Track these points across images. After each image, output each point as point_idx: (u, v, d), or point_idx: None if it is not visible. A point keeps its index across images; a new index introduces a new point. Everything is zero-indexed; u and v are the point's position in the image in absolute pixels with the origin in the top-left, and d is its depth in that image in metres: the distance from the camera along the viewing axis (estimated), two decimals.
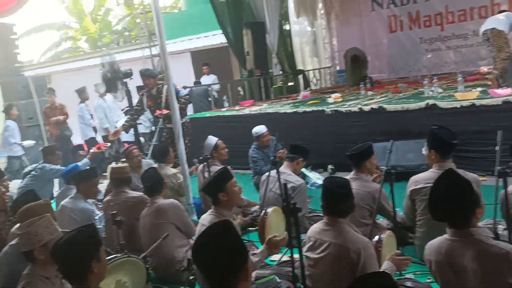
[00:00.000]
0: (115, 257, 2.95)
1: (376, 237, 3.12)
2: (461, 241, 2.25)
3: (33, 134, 12.12)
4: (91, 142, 9.19)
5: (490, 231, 2.85)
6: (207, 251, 1.82)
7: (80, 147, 7.05)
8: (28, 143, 9.25)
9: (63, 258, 2.29)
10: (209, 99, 10.91)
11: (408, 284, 2.82)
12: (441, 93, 7.03)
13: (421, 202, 3.66)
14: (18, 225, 3.11)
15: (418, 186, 3.66)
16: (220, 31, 11.44)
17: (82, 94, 9.17)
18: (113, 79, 7.84)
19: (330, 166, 6.84)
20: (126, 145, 7.45)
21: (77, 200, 4.51)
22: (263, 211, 3.60)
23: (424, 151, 3.81)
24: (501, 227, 3.45)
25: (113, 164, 4.94)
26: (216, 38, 13.77)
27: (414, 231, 3.81)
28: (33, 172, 5.95)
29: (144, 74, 7.02)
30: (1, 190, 4.40)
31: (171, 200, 4.17)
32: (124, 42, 22.85)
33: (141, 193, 4.62)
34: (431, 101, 6.10)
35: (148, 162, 6.45)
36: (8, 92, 12.77)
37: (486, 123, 5.33)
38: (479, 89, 6.62)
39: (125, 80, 8.10)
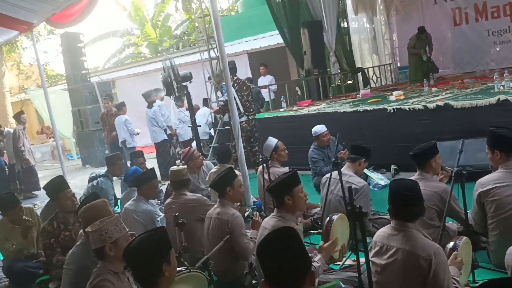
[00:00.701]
0: (177, 270, 2.96)
1: (451, 243, 2.95)
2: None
3: (99, 137, 12.71)
4: (162, 144, 9.48)
5: None
6: (272, 257, 1.80)
7: (140, 153, 7.18)
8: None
9: (135, 261, 2.33)
10: (260, 101, 10.91)
11: None
12: None
13: (491, 204, 3.48)
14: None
15: (486, 188, 3.49)
16: (277, 31, 11.39)
17: (149, 97, 9.45)
18: (173, 83, 8.01)
19: (393, 167, 6.62)
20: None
21: (139, 202, 4.62)
22: (328, 218, 3.49)
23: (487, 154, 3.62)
24: None
25: (174, 167, 5.01)
26: (272, 38, 13.76)
27: (487, 235, 3.59)
28: (93, 183, 6.10)
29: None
30: (71, 193, 4.59)
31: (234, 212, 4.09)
32: (183, 46, 23.40)
33: (200, 195, 4.67)
34: (502, 97, 5.74)
35: (208, 164, 6.54)
36: (76, 98, 13.48)
37: None
38: None
39: (184, 83, 8.25)
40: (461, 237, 2.99)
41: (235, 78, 8.28)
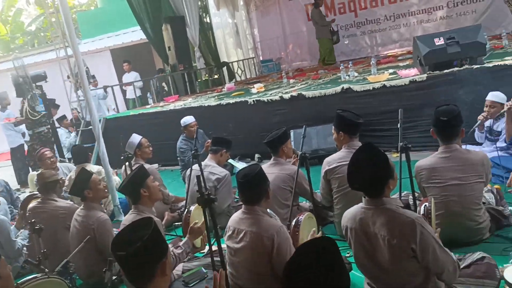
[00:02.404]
0: (34, 277, 2.85)
1: (294, 220, 3.24)
2: (373, 210, 2.42)
3: None
4: (20, 149, 8.77)
5: (401, 201, 3.08)
6: (123, 246, 1.83)
7: None
8: None
9: None
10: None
11: None
12: (356, 77, 7.35)
13: (335, 181, 3.84)
14: None
15: (332, 166, 3.84)
16: (139, 27, 11.21)
17: (3, 100, 8.66)
18: (25, 84, 7.48)
19: (257, 155, 6.99)
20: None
21: None
22: (186, 209, 3.63)
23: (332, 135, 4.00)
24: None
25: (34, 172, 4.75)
26: (136, 34, 13.49)
27: (333, 210, 3.99)
28: None
29: None
30: None
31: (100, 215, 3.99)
32: (39, 43, 21.74)
33: (72, 203, 4.46)
34: (346, 85, 6.38)
35: (70, 166, 6.28)
36: None
37: (395, 103, 5.68)
38: (390, 70, 7.01)
39: (39, 83, 7.75)
40: (303, 213, 3.30)
41: None
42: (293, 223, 3.19)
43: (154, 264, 1.87)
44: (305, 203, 4.41)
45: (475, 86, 5.39)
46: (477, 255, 2.81)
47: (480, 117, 4.73)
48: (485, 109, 4.73)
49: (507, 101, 4.57)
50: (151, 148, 5.49)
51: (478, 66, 5.57)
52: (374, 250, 2.42)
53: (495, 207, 3.60)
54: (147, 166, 5.09)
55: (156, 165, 7.59)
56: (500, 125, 4.72)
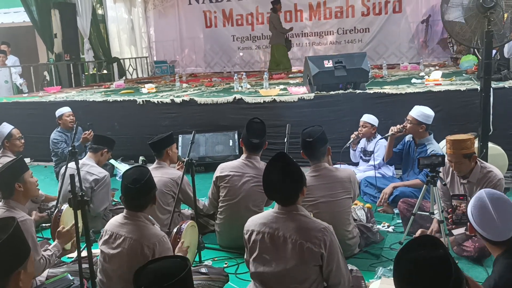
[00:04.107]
0: None
1: (176, 228, 3.14)
2: (287, 215, 2.45)
3: None
4: None
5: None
6: None
7: None
8: None
9: None
10: None
11: (202, 270, 2.90)
12: (249, 88, 7.48)
13: (223, 189, 3.81)
14: None
15: (223, 174, 3.82)
16: (23, 8, 10.28)
17: None
18: None
19: (141, 158, 6.73)
20: None
21: None
22: (57, 208, 3.34)
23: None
24: None
25: None
26: (18, 15, 12.36)
27: (215, 218, 3.95)
28: None
29: None
30: None
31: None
32: None
33: None
34: (238, 96, 6.44)
35: None
36: None
37: (283, 118, 5.86)
38: (282, 86, 7.24)
39: None
40: (186, 221, 3.21)
41: None
42: (175, 230, 3.09)
43: (5, 275, 1.65)
44: (186, 210, 4.32)
45: (357, 109, 5.76)
46: None
47: (352, 136, 5.10)
48: (359, 129, 5.09)
49: (378, 124, 5.01)
50: (23, 141, 5.01)
51: (361, 91, 5.97)
52: (280, 256, 2.42)
53: (365, 224, 3.83)
54: None
55: (27, 160, 6.97)
56: (372, 146, 5.11)
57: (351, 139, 5.12)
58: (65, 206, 3.41)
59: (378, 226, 4.04)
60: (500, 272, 2.10)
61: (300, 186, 2.47)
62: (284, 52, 10.10)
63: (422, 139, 4.36)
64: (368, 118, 5.13)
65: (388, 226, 4.17)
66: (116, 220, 2.75)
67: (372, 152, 5.11)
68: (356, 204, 4.40)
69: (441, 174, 3.53)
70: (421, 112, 4.32)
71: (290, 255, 2.39)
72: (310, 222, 2.44)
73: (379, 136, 5.05)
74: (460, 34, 4.46)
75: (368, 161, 5.21)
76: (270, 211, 2.54)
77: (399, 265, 1.60)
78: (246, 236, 2.54)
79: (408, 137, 4.57)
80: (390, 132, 4.47)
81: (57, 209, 3.36)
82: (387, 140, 4.63)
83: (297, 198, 2.47)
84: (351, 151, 5.37)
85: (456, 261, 3.26)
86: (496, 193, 2.23)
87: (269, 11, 10.37)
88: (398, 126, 4.43)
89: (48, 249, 3.11)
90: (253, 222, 2.54)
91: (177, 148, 4.80)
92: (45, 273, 3.06)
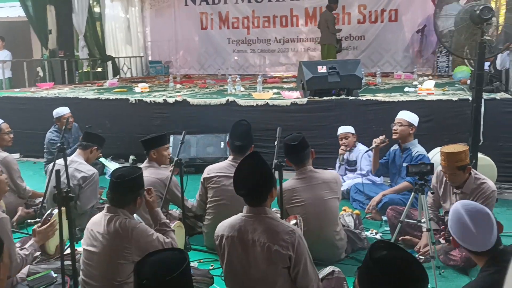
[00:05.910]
0: None
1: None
2: (254, 218, 2.42)
3: None
4: None
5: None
6: None
7: None
8: None
9: None
10: None
11: None
12: (242, 91, 7.47)
13: (211, 190, 3.81)
14: None
15: (210, 175, 3.82)
16: (19, 3, 10.22)
17: None
18: None
19: (132, 157, 6.69)
20: None
21: None
22: (48, 212, 3.30)
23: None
24: None
25: None
26: (14, 10, 12.28)
27: (203, 220, 3.93)
28: None
29: None
30: None
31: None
32: None
33: None
34: (231, 98, 6.43)
35: None
36: None
37: (275, 121, 5.84)
38: (275, 90, 7.24)
39: None
40: (173, 222, 3.19)
41: None
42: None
43: None
44: (174, 211, 4.30)
45: (348, 115, 5.77)
46: (328, 269, 2.92)
47: (341, 152, 5.19)
48: (342, 142, 5.17)
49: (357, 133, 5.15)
50: (11, 136, 4.96)
51: (353, 97, 5.98)
52: (249, 259, 2.40)
53: (353, 230, 3.84)
54: (4, 154, 4.59)
55: (16, 155, 6.92)
56: (354, 155, 5.17)
57: (340, 156, 5.21)
58: (56, 211, 3.34)
59: (366, 233, 4.03)
60: (472, 284, 2.18)
61: (269, 186, 2.45)
62: (334, 54, 9.81)
63: (407, 144, 4.45)
64: (346, 129, 5.23)
65: (376, 233, 4.17)
66: (98, 218, 2.73)
67: (355, 162, 5.17)
68: (344, 211, 4.41)
69: (433, 182, 3.54)
70: (409, 114, 4.53)
71: (259, 258, 2.37)
72: (278, 225, 2.41)
73: (359, 144, 5.17)
74: (452, 44, 4.49)
75: (354, 170, 5.23)
76: (239, 215, 2.52)
77: (369, 264, 1.60)
78: (217, 242, 2.52)
79: (393, 148, 4.63)
80: (374, 145, 4.54)
81: (47, 213, 3.29)
82: (372, 152, 4.67)
83: (265, 200, 2.45)
84: (337, 164, 5.40)
85: (442, 270, 3.34)
86: (471, 204, 2.26)
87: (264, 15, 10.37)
88: (380, 137, 4.52)
89: (25, 248, 3.06)
90: (222, 227, 2.51)
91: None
92: (25, 270, 3.02)
